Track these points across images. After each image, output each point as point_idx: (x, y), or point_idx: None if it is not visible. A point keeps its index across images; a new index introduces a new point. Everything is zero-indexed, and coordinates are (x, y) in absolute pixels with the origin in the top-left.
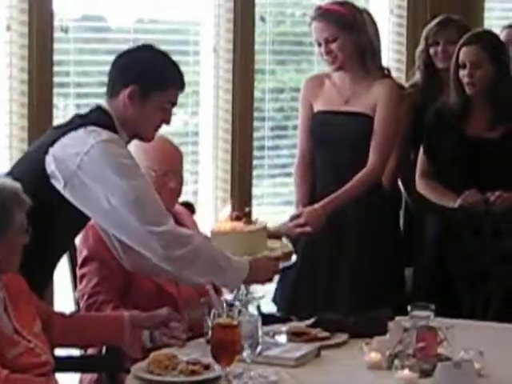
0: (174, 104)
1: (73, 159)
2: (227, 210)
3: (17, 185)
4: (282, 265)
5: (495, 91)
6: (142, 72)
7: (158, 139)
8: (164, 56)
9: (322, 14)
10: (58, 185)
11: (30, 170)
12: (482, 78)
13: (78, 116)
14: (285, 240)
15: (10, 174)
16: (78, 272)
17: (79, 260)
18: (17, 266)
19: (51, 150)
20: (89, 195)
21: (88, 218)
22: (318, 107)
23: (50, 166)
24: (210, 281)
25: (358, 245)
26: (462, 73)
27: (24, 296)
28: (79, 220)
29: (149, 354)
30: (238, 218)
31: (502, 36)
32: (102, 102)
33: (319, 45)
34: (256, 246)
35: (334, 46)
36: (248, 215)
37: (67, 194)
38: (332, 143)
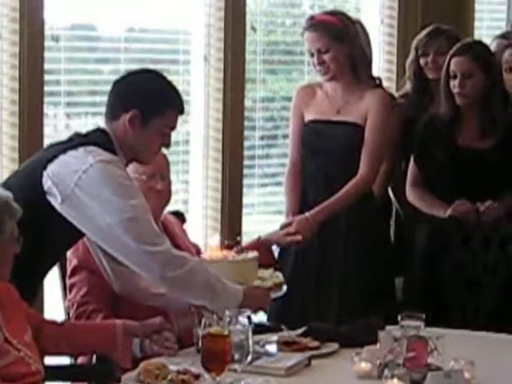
0: (173, 128)
1: (71, 177)
2: (216, 238)
3: (7, 193)
4: (273, 295)
5: (486, 101)
6: (142, 97)
7: None
8: (163, 80)
9: (315, 24)
10: (55, 201)
11: (27, 184)
12: (473, 88)
13: (78, 135)
14: (276, 272)
15: (5, 185)
16: (68, 281)
17: (69, 269)
18: (7, 276)
19: (49, 167)
20: (86, 213)
21: (82, 234)
22: (309, 116)
23: (47, 182)
24: (203, 304)
25: (348, 254)
26: (453, 83)
27: (15, 305)
28: (73, 235)
29: (138, 363)
30: (229, 247)
31: (493, 46)
32: (102, 124)
33: (311, 55)
34: (247, 276)
35: (326, 57)
36: (239, 244)
37: (64, 211)
38: (323, 152)
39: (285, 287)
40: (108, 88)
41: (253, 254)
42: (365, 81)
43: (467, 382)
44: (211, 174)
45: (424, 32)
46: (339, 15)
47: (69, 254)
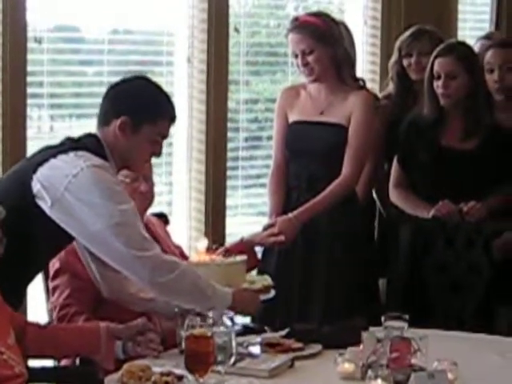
0: (164, 137)
1: (61, 180)
2: (204, 242)
3: None
4: (262, 297)
5: (470, 102)
6: (133, 104)
7: None
8: (156, 88)
9: (299, 25)
10: (44, 205)
11: (16, 187)
12: (457, 88)
13: (69, 139)
14: (265, 275)
15: None
16: (50, 284)
17: (51, 272)
18: None
19: (40, 170)
20: (75, 217)
21: (71, 239)
22: (293, 118)
23: (37, 185)
24: (193, 308)
25: (331, 256)
26: (437, 83)
27: None
28: (61, 240)
29: (121, 365)
30: (213, 250)
31: (476, 47)
32: (88, 126)
33: (295, 56)
34: (235, 279)
35: (310, 59)
36: (223, 246)
37: (53, 215)
38: (306, 153)
39: (273, 290)
40: (92, 90)
41: (241, 257)
42: (348, 82)
43: (451, 383)
44: (195, 176)
45: (407, 33)
46: (323, 16)
47: None
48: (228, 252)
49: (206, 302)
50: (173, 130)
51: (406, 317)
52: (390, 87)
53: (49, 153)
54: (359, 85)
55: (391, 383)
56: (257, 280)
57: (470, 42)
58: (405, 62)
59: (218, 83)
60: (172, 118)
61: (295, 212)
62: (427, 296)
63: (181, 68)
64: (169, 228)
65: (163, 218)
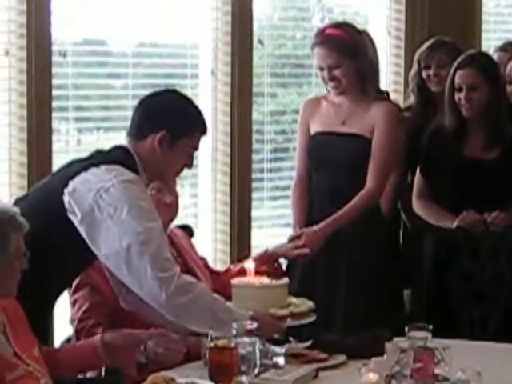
0: (196, 149)
1: (91, 195)
2: (251, 263)
3: (14, 208)
4: (305, 321)
5: (491, 113)
6: (171, 118)
7: None
8: (189, 101)
9: (324, 39)
10: (75, 219)
11: (48, 201)
12: (479, 100)
13: (99, 152)
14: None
15: (24, 200)
16: (71, 298)
17: (73, 286)
18: (14, 291)
19: (71, 183)
20: (102, 232)
21: (94, 260)
22: (315, 128)
23: (68, 199)
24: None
25: (354, 267)
26: (458, 96)
27: (22, 321)
28: (88, 258)
29: (144, 368)
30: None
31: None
32: (117, 139)
33: (321, 69)
34: (276, 302)
35: (337, 73)
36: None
37: (82, 230)
38: (329, 164)
39: (314, 315)
40: (119, 103)
41: (283, 280)
42: (371, 93)
43: None
44: (220, 188)
45: (425, 45)
46: (347, 28)
47: None
48: (268, 274)
49: (220, 327)
50: None
51: (430, 327)
52: (411, 99)
53: (79, 166)
54: (382, 95)
55: None
56: (300, 303)
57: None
58: (424, 74)
59: (242, 95)
60: (204, 130)
61: (320, 225)
62: (451, 306)
63: (205, 81)
64: (194, 240)
65: (188, 230)
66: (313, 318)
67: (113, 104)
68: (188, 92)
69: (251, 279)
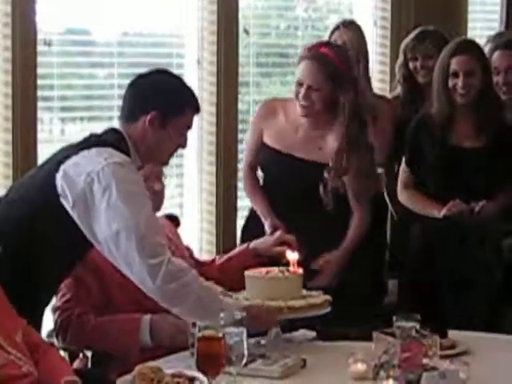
0: (189, 127)
1: (82, 179)
2: (295, 255)
3: None
4: (320, 312)
5: (482, 100)
6: (161, 98)
7: None
8: (179, 80)
9: (317, 57)
10: (67, 204)
11: (41, 187)
12: (474, 87)
13: (93, 135)
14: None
15: (17, 188)
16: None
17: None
18: None
19: (62, 168)
20: (93, 217)
21: (87, 249)
22: (269, 141)
23: (61, 183)
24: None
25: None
26: (454, 82)
27: (3, 305)
28: (82, 247)
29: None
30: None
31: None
32: (116, 125)
33: (300, 85)
34: (290, 293)
35: (314, 95)
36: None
37: (74, 214)
38: (292, 188)
39: (329, 307)
40: (103, 92)
41: (297, 271)
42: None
43: (463, 382)
44: (205, 178)
45: (410, 36)
46: (344, 53)
47: None
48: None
49: (208, 316)
50: None
51: (418, 316)
52: (398, 89)
53: (71, 150)
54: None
55: (403, 383)
56: (315, 295)
57: (480, 41)
58: (411, 65)
59: (228, 85)
60: (197, 109)
61: (333, 254)
62: (439, 295)
63: (191, 70)
64: (180, 230)
65: (174, 219)
66: (328, 310)
67: (97, 94)
68: None
69: (264, 270)
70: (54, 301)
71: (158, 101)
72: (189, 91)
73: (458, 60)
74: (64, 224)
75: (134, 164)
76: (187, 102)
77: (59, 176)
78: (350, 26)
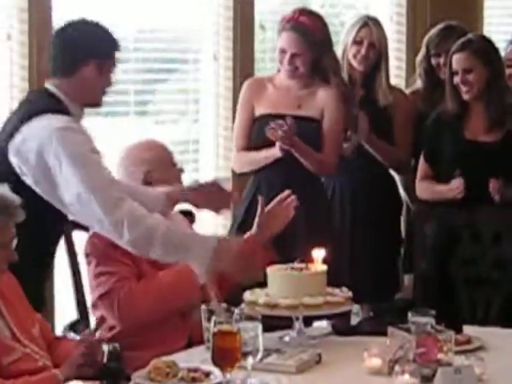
0: (115, 65)
1: (34, 153)
2: (322, 252)
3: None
4: (341, 310)
5: (491, 95)
6: (94, 47)
7: (138, 143)
8: (99, 25)
9: (296, 27)
10: (29, 181)
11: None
12: (475, 82)
13: (26, 102)
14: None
15: None
16: (95, 271)
17: (91, 269)
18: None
19: (11, 148)
20: (55, 187)
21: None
22: (261, 111)
23: (16, 163)
24: (176, 260)
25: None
26: (456, 79)
27: (19, 297)
28: (57, 215)
29: None
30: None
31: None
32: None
33: (283, 52)
34: (315, 289)
35: (298, 61)
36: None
37: (39, 190)
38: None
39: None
40: (118, 88)
41: (321, 268)
42: (317, 79)
43: (477, 377)
44: (222, 173)
45: (435, 31)
46: (319, 20)
47: (87, 252)
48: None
49: (184, 252)
50: (199, 127)
51: (433, 312)
52: (418, 83)
53: (12, 126)
54: (327, 80)
55: (418, 378)
56: (337, 292)
57: (497, 37)
58: (433, 62)
59: (244, 80)
60: (119, 48)
61: None
62: (454, 291)
63: (207, 65)
64: (195, 226)
65: (189, 215)
66: (349, 307)
67: (112, 89)
68: (190, 77)
69: (286, 266)
70: (98, 281)
71: (92, 49)
72: (110, 35)
73: (456, 58)
74: (34, 201)
75: (76, 117)
76: (112, 45)
77: (12, 156)
78: (376, 22)
